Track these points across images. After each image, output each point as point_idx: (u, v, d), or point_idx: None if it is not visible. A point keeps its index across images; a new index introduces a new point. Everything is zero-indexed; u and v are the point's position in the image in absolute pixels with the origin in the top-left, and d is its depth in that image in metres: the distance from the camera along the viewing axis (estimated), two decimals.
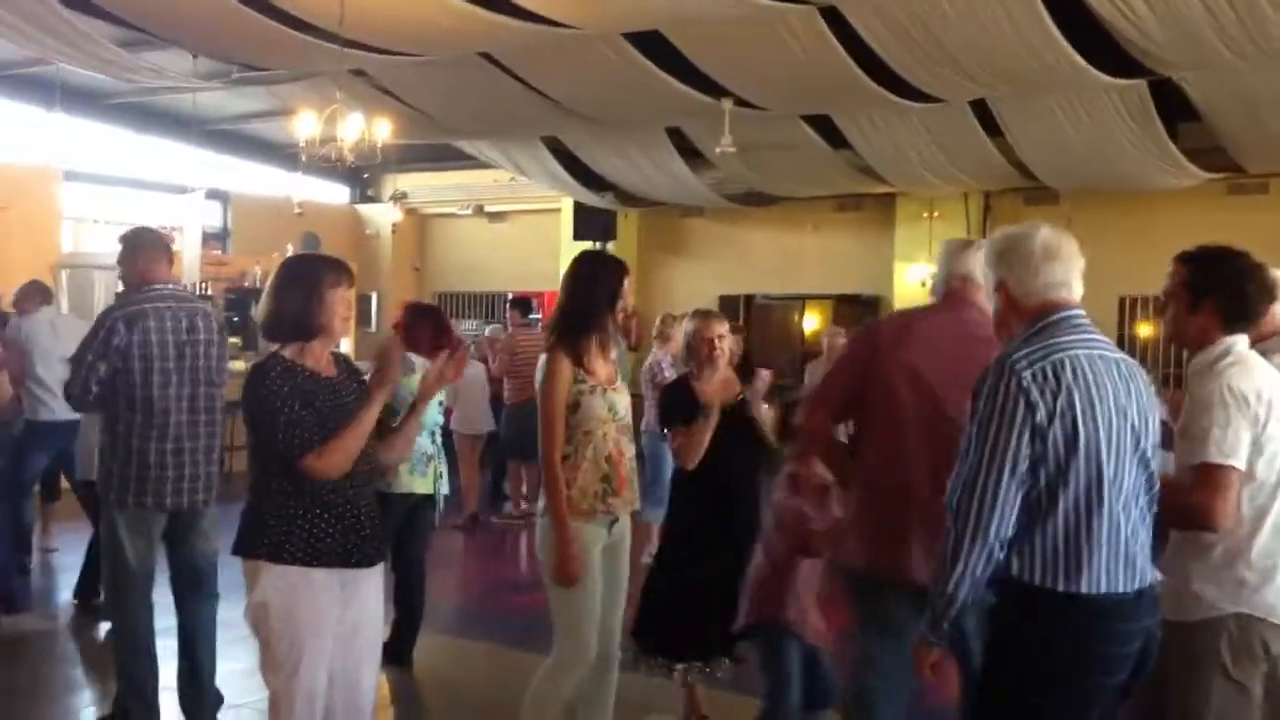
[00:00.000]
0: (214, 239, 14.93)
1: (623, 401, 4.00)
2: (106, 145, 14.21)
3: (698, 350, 4.63)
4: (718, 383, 4.33)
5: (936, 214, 13.11)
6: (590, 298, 3.92)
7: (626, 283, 3.94)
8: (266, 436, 3.14)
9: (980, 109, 10.05)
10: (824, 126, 11.02)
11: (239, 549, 3.19)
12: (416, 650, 5.68)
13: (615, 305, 3.92)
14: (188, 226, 13.69)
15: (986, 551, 2.60)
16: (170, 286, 4.61)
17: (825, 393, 3.72)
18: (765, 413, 4.77)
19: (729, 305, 14.31)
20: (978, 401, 2.66)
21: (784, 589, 3.97)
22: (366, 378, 3.34)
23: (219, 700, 4.74)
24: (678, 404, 4.53)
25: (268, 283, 3.34)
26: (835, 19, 8.32)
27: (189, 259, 13.42)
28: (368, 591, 3.26)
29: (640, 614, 4.57)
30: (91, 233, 14.39)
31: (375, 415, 3.18)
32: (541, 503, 3.90)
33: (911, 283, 13.12)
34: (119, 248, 4.68)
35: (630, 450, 4.01)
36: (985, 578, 2.64)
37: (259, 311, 3.34)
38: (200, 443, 4.48)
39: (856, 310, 14.08)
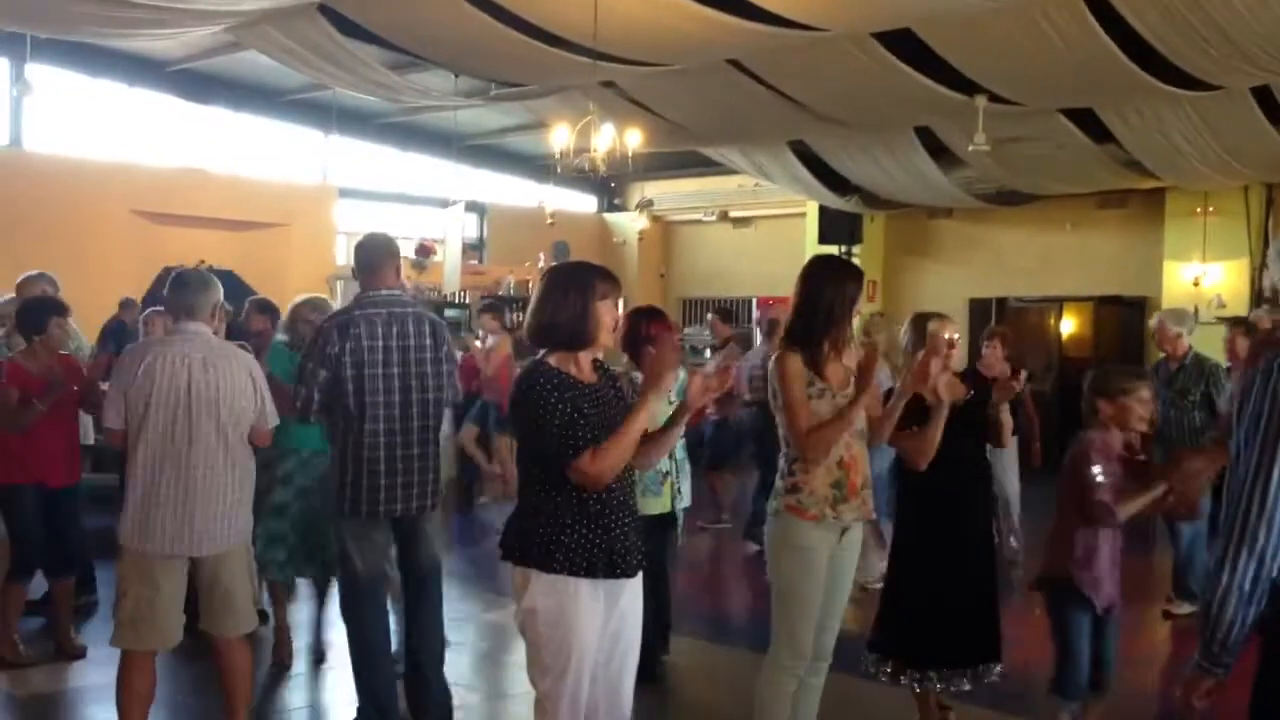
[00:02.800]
0: (472, 249, 15.62)
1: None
2: (375, 163, 15.15)
3: (934, 351, 4.46)
4: (944, 383, 4.21)
5: (1211, 209, 12.27)
6: (826, 301, 3.88)
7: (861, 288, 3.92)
8: (535, 443, 3.20)
9: (1262, 95, 9.33)
10: (1084, 120, 10.50)
11: (508, 554, 3.26)
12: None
13: (852, 310, 3.89)
14: (449, 238, 14.40)
15: (1255, 562, 2.38)
16: (387, 293, 4.52)
17: None
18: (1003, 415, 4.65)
19: (980, 309, 13.85)
20: (1246, 402, 2.46)
21: (1072, 550, 3.97)
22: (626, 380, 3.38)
23: (446, 697, 4.71)
24: (908, 406, 4.41)
25: (535, 289, 3.38)
26: (1098, 5, 7.92)
27: (450, 269, 14.11)
28: (630, 600, 3.31)
29: (879, 621, 4.52)
30: None
31: (645, 421, 3.21)
32: (773, 502, 3.89)
33: (1184, 282, 12.33)
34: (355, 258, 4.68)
35: (865, 457, 3.93)
36: (1258, 593, 2.40)
37: (527, 318, 3.40)
38: (415, 450, 4.43)
39: (1119, 312, 13.36)
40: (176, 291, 4.21)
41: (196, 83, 12.86)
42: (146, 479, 4.00)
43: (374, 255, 4.58)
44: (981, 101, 9.65)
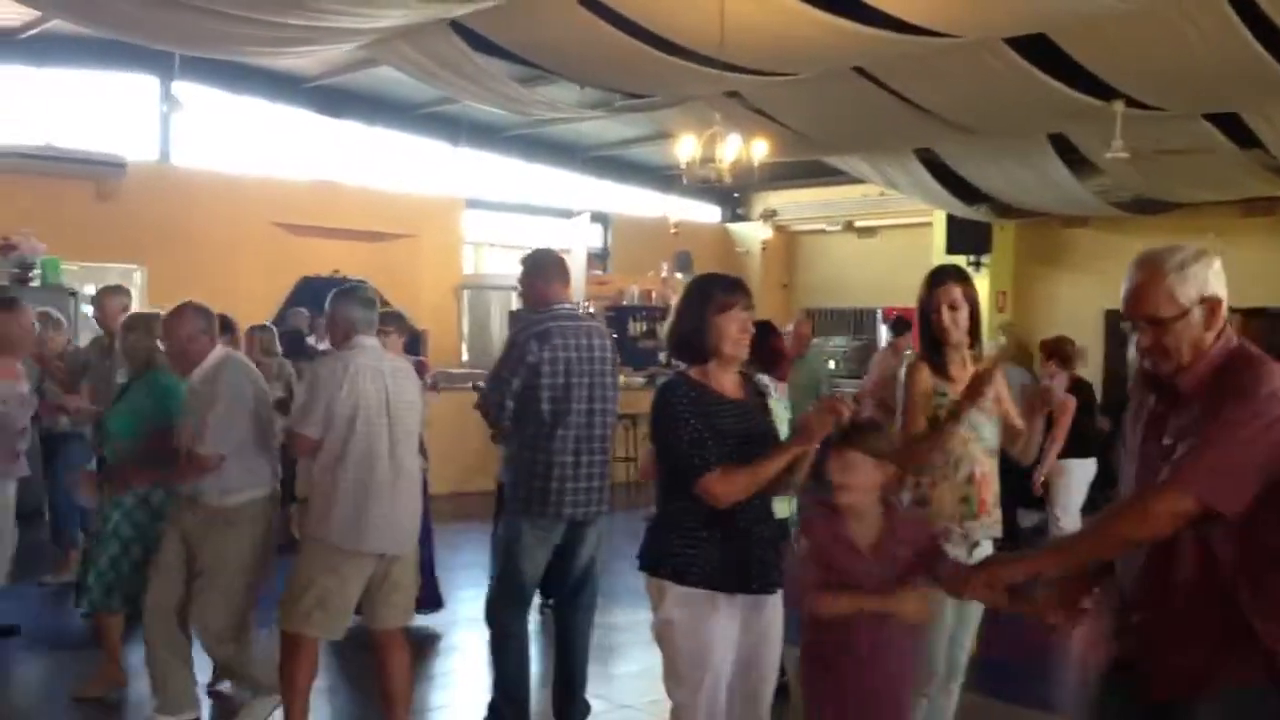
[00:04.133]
0: (596, 259, 15.75)
1: (989, 425, 3.86)
2: (502, 174, 15.42)
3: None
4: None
5: None
6: (922, 308, 3.96)
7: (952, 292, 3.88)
8: (670, 454, 3.22)
9: None
10: (1229, 124, 10.10)
11: (645, 565, 3.28)
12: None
13: (942, 314, 3.89)
14: (574, 248, 14.52)
15: None
16: (568, 306, 4.78)
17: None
18: None
19: (1116, 320, 13.41)
20: None
21: None
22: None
23: (587, 707, 4.85)
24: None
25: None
26: (1242, 4, 7.62)
27: (575, 279, 14.14)
28: (769, 616, 3.28)
29: None
30: (489, 256, 15.66)
31: (782, 464, 3.16)
32: None
33: None
34: (520, 269, 4.85)
35: (995, 474, 3.86)
36: None
37: (664, 330, 3.45)
38: (596, 456, 4.64)
39: (1266, 324, 12.79)
40: (358, 307, 4.41)
41: (332, 98, 13.27)
42: (359, 482, 4.21)
43: (548, 270, 4.80)
44: (1120, 107, 9.37)
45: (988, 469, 3.83)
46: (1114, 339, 11.28)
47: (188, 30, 8.62)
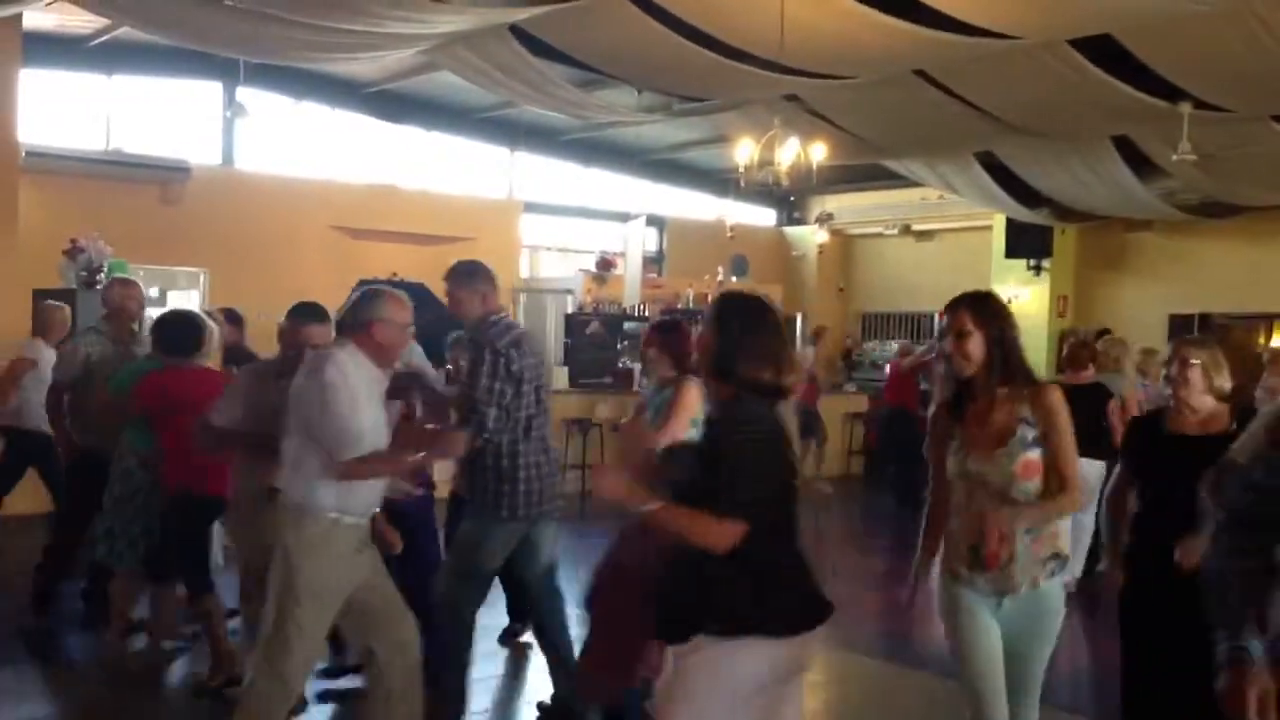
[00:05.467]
0: (652, 262, 15.76)
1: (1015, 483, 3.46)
2: (558, 178, 15.48)
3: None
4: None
5: None
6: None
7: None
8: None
9: None
10: None
11: None
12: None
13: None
14: (629, 251, 14.57)
15: None
16: (505, 313, 4.82)
17: None
18: None
19: (1181, 325, 13.18)
20: None
21: None
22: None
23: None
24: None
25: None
26: None
27: (630, 282, 14.26)
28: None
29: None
30: (545, 260, 15.72)
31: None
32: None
33: None
34: (455, 278, 4.71)
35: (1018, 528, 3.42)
36: None
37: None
38: (553, 454, 4.83)
39: None
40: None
41: (391, 103, 13.40)
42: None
43: (490, 278, 4.79)
44: (1186, 109, 9.21)
45: (1001, 516, 3.33)
46: None
47: (252, 37, 8.75)
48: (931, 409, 3.87)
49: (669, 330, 4.81)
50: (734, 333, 3.03)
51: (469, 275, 4.73)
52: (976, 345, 3.45)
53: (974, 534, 3.38)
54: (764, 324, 3.07)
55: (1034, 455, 3.40)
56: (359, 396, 3.75)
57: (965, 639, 3.47)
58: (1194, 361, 4.12)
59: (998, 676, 3.46)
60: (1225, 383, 4.11)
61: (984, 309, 3.50)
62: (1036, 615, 3.47)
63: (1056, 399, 3.44)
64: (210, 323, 5.96)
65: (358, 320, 3.88)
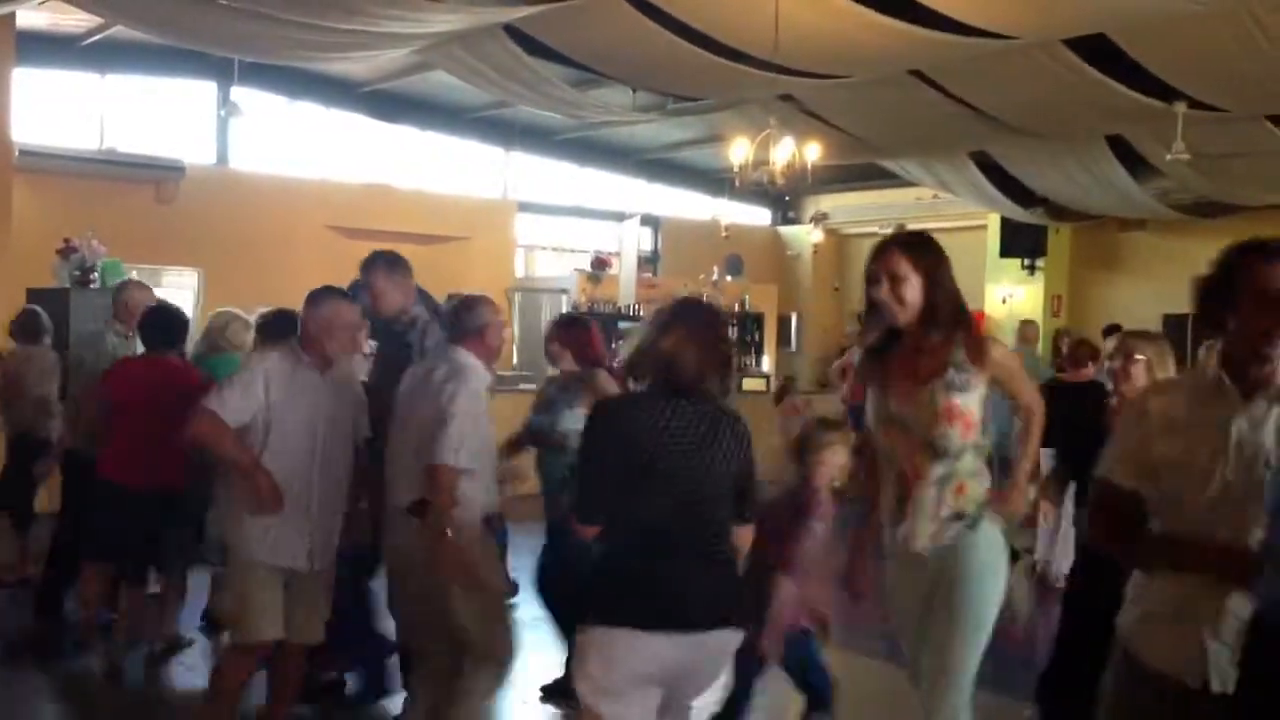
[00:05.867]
0: (646, 262, 15.75)
1: (938, 425, 3.27)
2: (553, 178, 15.47)
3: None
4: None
5: None
6: None
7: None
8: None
9: None
10: None
11: None
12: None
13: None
14: (624, 251, 14.55)
15: None
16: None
17: None
18: None
19: (1175, 325, 13.18)
20: None
21: None
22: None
23: None
24: None
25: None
26: None
27: (624, 282, 14.24)
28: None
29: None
30: (540, 259, 15.71)
31: None
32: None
33: None
34: (377, 268, 4.78)
35: (938, 477, 3.24)
36: None
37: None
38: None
39: None
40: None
41: (386, 103, 13.38)
42: None
43: (407, 272, 4.83)
44: (1181, 108, 9.23)
45: (919, 462, 3.15)
46: (1174, 345, 11.08)
47: (246, 36, 8.74)
48: (856, 356, 3.94)
49: (572, 325, 5.07)
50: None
51: (391, 266, 4.69)
52: (913, 291, 3.18)
53: (900, 483, 3.18)
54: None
55: (959, 401, 3.12)
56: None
57: (886, 595, 3.38)
58: (1139, 356, 4.19)
59: (914, 644, 3.31)
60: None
61: (923, 251, 3.23)
62: (945, 582, 3.18)
63: (999, 352, 3.29)
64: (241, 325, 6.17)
65: (471, 327, 4.08)
